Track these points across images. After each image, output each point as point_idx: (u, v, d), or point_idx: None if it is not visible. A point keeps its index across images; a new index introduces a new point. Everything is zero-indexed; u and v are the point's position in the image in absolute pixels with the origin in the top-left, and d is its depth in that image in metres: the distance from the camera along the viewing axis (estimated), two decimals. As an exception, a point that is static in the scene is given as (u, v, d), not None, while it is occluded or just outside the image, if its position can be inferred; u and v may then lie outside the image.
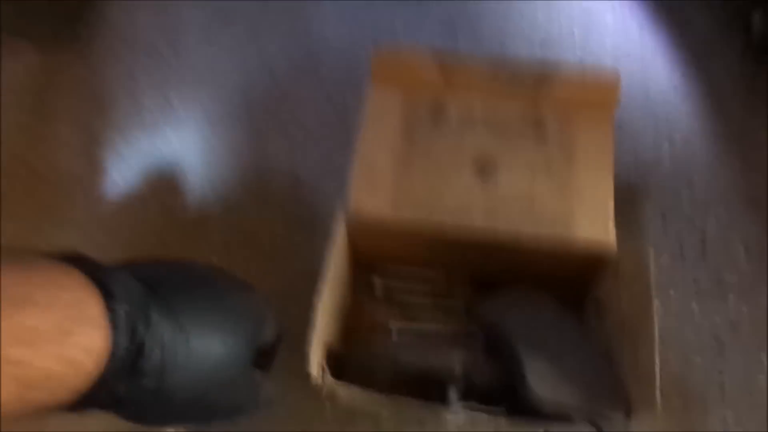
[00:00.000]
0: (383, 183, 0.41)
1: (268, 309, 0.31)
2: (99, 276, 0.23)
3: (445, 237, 0.40)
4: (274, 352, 0.32)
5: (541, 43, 0.58)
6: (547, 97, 0.42)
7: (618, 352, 0.37)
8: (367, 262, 0.45)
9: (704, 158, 0.53)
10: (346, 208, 0.40)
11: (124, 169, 0.53)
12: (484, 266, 0.43)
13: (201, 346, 0.26)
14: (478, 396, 0.37)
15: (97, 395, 0.23)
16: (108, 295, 0.23)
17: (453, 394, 0.37)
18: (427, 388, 0.38)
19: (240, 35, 0.59)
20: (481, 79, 0.42)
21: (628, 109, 0.53)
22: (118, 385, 0.23)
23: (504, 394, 0.37)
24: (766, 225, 0.51)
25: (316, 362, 0.35)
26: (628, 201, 0.50)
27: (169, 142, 0.54)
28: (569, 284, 0.42)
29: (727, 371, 0.45)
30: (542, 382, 0.36)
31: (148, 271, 0.27)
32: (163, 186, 0.52)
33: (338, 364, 0.38)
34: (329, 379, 0.36)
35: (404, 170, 0.41)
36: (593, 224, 0.40)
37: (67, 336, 0.21)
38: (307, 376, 0.35)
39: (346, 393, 0.37)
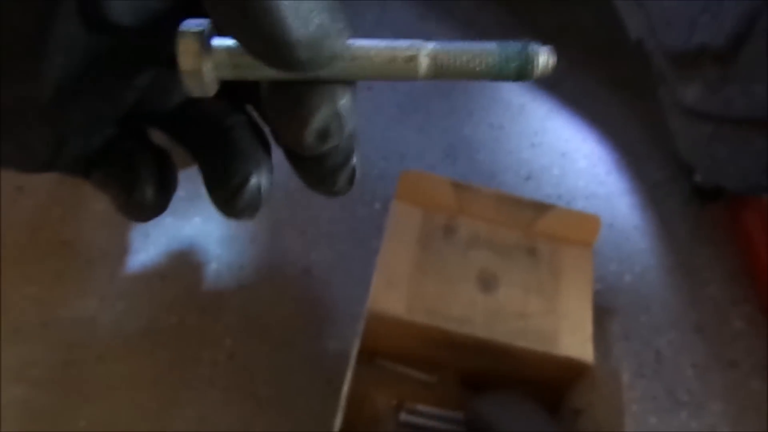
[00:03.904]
0: (400, 287, 0.47)
1: None
2: None
3: (448, 341, 0.46)
4: None
5: (524, 177, 0.68)
6: (540, 230, 0.50)
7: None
8: (374, 352, 0.50)
9: (659, 288, 0.62)
10: (365, 308, 0.45)
11: (149, 248, 0.57)
12: (478, 369, 0.48)
13: None
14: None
15: None
16: None
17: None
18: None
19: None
20: (487, 208, 0.50)
21: (597, 242, 0.62)
22: None
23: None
24: (709, 349, 0.59)
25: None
26: (598, 322, 0.58)
27: (195, 227, 0.59)
28: (550, 391, 0.48)
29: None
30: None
31: None
32: (184, 266, 0.57)
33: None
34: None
35: (418, 278, 0.47)
36: (575, 342, 0.47)
37: None
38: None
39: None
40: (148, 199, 0.20)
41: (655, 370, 0.57)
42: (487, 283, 0.48)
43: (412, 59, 0.16)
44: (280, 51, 0.14)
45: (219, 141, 0.21)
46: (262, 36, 0.14)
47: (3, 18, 0.15)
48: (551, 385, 0.48)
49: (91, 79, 0.17)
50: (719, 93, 0.39)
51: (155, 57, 0.18)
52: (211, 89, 0.16)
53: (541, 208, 0.50)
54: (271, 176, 0.21)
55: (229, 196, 0.20)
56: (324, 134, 0.17)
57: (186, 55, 0.15)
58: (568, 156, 0.71)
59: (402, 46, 0.16)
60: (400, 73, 0.16)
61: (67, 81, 0.17)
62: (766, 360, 0.58)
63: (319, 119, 0.16)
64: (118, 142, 0.20)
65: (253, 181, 0.21)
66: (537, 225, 0.50)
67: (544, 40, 0.16)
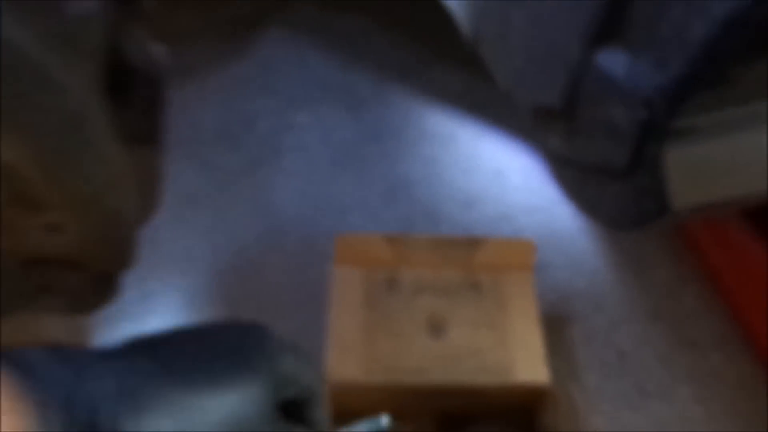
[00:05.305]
0: (354, 351, 0.48)
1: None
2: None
3: (412, 392, 0.47)
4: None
5: (465, 203, 0.70)
6: (479, 264, 0.52)
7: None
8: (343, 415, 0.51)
9: (610, 285, 0.65)
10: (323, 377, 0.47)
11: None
12: (450, 410, 0.50)
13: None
14: None
15: None
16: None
17: None
18: None
19: (207, 215, 0.67)
20: (425, 253, 0.52)
21: (545, 252, 0.65)
22: None
23: None
24: (667, 333, 0.61)
25: None
26: (557, 332, 0.60)
27: (151, 326, 0.59)
28: (523, 418, 0.50)
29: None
30: None
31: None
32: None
33: None
34: None
35: (370, 338, 0.49)
36: (529, 368, 0.48)
37: None
38: None
39: None
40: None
41: (620, 367, 0.59)
42: (437, 327, 0.49)
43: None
44: None
45: None
46: None
47: None
48: (521, 412, 0.50)
49: None
50: (571, 143, 0.42)
51: None
52: None
53: (475, 243, 0.52)
54: None
55: None
56: None
57: None
58: (502, 174, 0.73)
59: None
60: None
61: None
62: (721, 333, 0.61)
63: None
64: None
65: None
66: (475, 259, 0.52)
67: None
